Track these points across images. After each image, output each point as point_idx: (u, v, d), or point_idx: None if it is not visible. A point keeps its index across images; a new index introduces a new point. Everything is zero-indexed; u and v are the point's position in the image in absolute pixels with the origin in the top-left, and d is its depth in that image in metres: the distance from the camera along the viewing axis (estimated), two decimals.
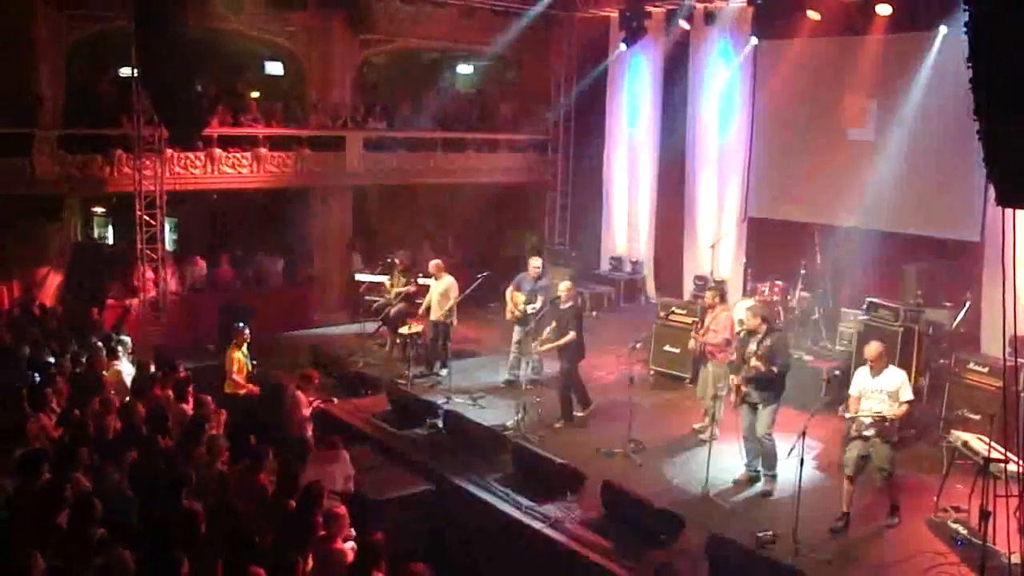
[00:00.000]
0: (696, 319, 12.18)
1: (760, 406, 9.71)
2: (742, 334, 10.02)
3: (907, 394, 8.82)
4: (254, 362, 11.70)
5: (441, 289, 13.39)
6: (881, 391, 8.83)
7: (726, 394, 10.47)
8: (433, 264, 13.75)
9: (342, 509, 6.97)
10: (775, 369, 9.48)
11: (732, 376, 9.93)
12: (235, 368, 11.35)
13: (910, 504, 9.38)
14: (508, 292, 13.01)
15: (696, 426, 11.39)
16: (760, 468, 9.93)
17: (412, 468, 10.24)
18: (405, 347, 13.93)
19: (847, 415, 9.17)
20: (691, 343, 11.58)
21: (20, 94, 14.58)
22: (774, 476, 9.72)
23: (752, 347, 9.61)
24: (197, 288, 16.33)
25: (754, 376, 9.56)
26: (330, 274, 17.90)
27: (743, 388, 9.72)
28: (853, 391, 9.11)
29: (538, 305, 12.63)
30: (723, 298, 11.52)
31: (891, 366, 9.05)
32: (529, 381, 12.65)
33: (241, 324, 11.65)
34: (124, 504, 7.06)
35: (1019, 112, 5.75)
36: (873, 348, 9.08)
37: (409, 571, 6.02)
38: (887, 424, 8.76)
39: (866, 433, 8.81)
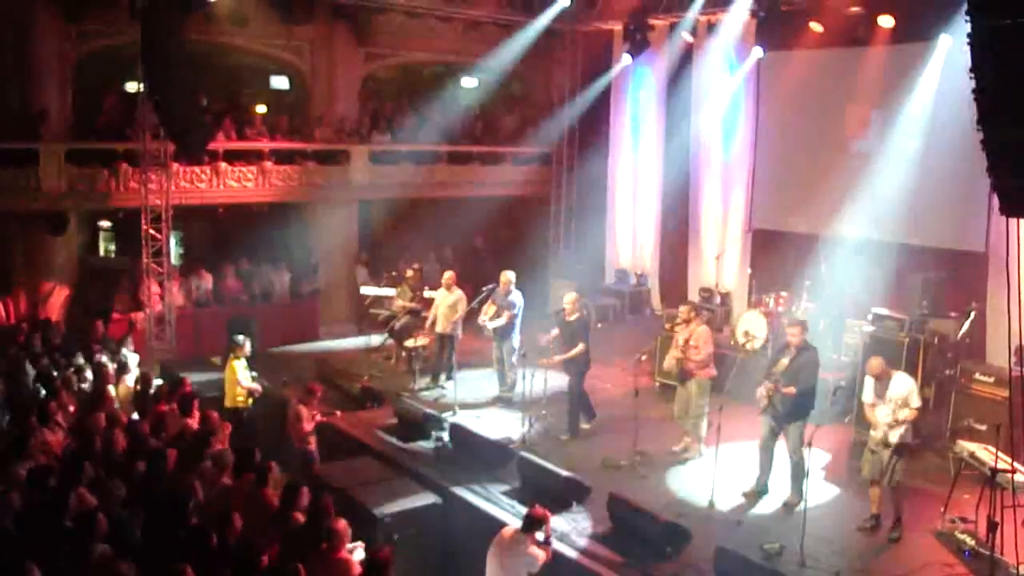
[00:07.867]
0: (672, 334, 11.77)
1: (784, 422, 9.59)
2: (765, 346, 9.90)
3: (916, 400, 8.86)
4: (254, 374, 11.74)
5: (450, 302, 13.42)
6: (889, 401, 8.84)
7: (709, 412, 10.32)
8: (447, 276, 13.78)
9: (342, 523, 6.98)
10: (795, 389, 9.34)
11: (762, 386, 9.67)
12: (237, 379, 11.41)
13: (917, 515, 9.34)
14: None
15: (675, 448, 11.13)
16: (767, 483, 9.89)
17: (418, 481, 10.18)
18: (411, 360, 13.94)
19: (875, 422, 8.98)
20: (668, 361, 11.35)
21: (26, 108, 14.65)
22: (800, 490, 9.32)
23: (784, 361, 9.52)
24: (203, 302, 16.36)
25: (777, 392, 9.46)
26: (336, 287, 17.92)
27: (769, 398, 9.55)
28: (867, 398, 9.12)
29: (502, 321, 12.71)
30: (698, 313, 11.30)
31: (897, 373, 9.07)
32: (499, 399, 12.85)
33: (240, 337, 11.71)
34: (130, 519, 7.07)
35: (1021, 122, 5.77)
36: (874, 363, 9.07)
37: None
38: (904, 430, 8.77)
39: (891, 440, 8.77)
